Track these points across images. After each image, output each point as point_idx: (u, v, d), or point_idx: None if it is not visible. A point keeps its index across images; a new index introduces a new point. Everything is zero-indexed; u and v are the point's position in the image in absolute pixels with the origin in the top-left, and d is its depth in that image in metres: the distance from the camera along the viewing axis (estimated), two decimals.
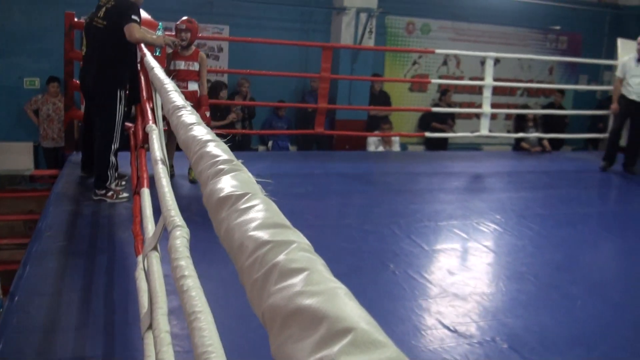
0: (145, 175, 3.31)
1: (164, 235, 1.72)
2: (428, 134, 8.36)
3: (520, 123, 9.28)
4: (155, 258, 1.92)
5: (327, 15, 9.57)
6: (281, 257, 0.68)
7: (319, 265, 0.67)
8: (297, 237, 0.74)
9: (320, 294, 0.59)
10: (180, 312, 2.51)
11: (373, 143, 8.70)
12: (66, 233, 4.19)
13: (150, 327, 1.72)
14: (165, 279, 1.88)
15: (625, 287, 4.23)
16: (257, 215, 0.82)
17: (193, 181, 5.25)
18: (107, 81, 4.73)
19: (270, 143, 9.03)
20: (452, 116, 9.89)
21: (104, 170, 4.75)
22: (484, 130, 7.85)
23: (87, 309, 3.16)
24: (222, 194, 0.95)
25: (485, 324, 3.36)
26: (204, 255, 3.97)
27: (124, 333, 2.95)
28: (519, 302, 3.74)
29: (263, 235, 0.75)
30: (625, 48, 8.43)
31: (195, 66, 5.38)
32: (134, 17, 4.52)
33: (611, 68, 9.87)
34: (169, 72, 5.21)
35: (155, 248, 1.96)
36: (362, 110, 9.24)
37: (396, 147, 8.86)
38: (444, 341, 3.11)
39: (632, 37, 9.11)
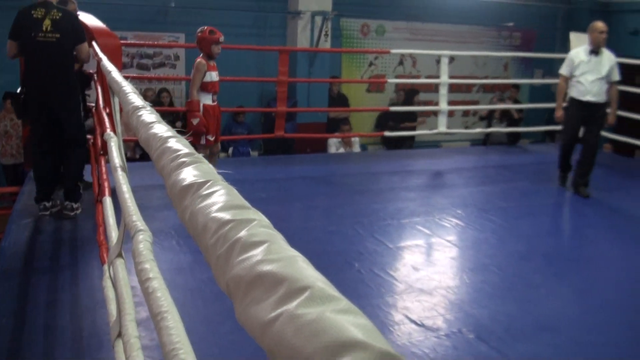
0: (106, 184, 3.27)
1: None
2: (387, 133, 8.42)
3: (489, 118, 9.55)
4: (120, 265, 1.91)
5: (283, 20, 9.58)
6: (243, 232, 0.72)
7: (279, 239, 0.72)
8: (258, 216, 0.79)
9: (280, 260, 0.63)
10: (149, 324, 2.49)
11: (334, 145, 8.73)
12: (30, 250, 4.11)
13: (119, 334, 1.70)
14: (134, 290, 1.86)
15: (587, 273, 4.33)
16: (219, 199, 0.86)
17: None
18: (75, 95, 4.71)
19: (230, 149, 8.99)
20: (414, 115, 9.97)
21: (80, 180, 4.88)
22: (442, 127, 7.95)
23: (53, 325, 3.10)
24: (184, 183, 0.98)
25: (452, 317, 3.41)
26: (171, 264, 3.95)
27: (92, 344, 2.91)
28: (484, 293, 3.80)
29: (225, 215, 0.79)
30: (578, 41, 8.58)
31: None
32: (86, 36, 4.66)
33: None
34: (206, 85, 5.21)
35: (120, 255, 1.94)
36: (322, 112, 9.28)
37: (356, 148, 8.91)
38: (411, 336, 3.14)
39: (585, 30, 9.34)
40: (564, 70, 6.16)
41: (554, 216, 5.68)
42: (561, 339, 3.29)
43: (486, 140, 10.04)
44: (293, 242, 3.00)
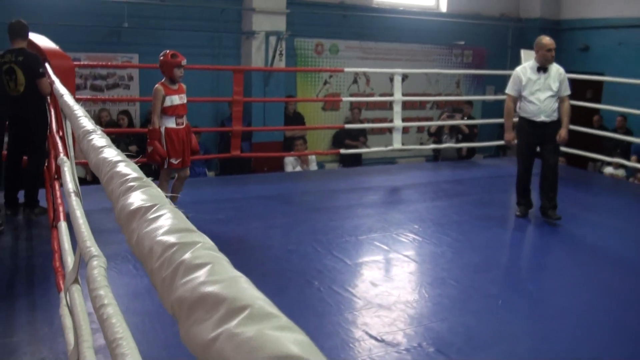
0: (61, 209, 3.21)
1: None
2: (343, 151, 8.49)
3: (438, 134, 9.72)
4: (77, 291, 1.87)
5: (237, 40, 9.61)
6: (187, 255, 0.73)
7: (222, 260, 0.73)
8: (202, 239, 0.80)
9: (222, 281, 0.65)
10: (107, 352, 2.43)
11: (290, 163, 8.75)
12: None
13: None
14: (92, 316, 1.83)
15: (542, 282, 4.43)
16: (165, 222, 0.87)
17: None
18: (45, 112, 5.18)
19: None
20: (364, 132, 10.12)
21: (37, 186, 5.28)
22: (397, 144, 8.06)
23: (11, 355, 3.01)
24: (132, 207, 0.99)
25: (412, 331, 3.44)
26: (128, 288, 3.89)
27: None
28: (442, 306, 3.84)
29: (170, 239, 0.80)
30: (529, 58, 8.80)
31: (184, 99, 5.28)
32: (42, 70, 5.01)
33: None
34: (167, 110, 5.14)
35: (76, 281, 1.90)
36: (278, 131, 9.30)
37: (313, 166, 8.95)
38: (372, 351, 3.15)
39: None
40: (510, 89, 5.76)
41: (508, 228, 5.79)
42: (519, 348, 3.35)
43: (437, 156, 10.21)
44: (252, 261, 3.04)
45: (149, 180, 1.15)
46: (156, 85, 5.20)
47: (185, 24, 9.05)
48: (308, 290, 3.92)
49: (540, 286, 4.31)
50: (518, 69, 5.85)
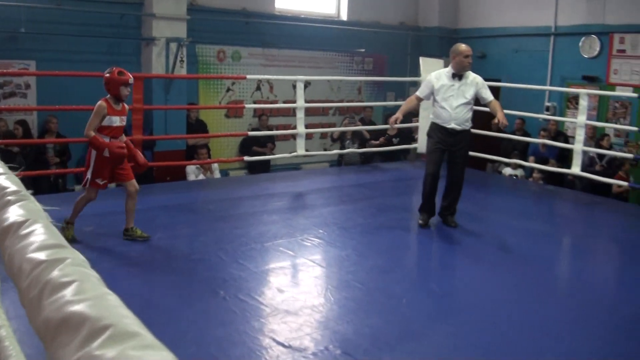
0: None
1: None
2: (247, 158, 8.45)
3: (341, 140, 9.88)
4: None
5: (137, 47, 9.36)
6: (54, 273, 0.70)
7: (91, 277, 0.70)
8: (72, 254, 0.78)
9: (88, 300, 0.63)
10: None
11: (193, 172, 8.61)
12: None
13: None
14: None
15: (444, 280, 4.57)
16: (37, 238, 0.84)
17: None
18: None
19: None
20: (272, 139, 10.11)
21: None
22: (301, 150, 8.10)
23: None
24: (6, 223, 0.94)
25: (318, 335, 3.45)
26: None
27: None
28: (348, 309, 3.88)
29: (39, 256, 0.77)
30: (427, 66, 9.07)
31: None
32: None
33: (416, 84, 10.65)
34: (102, 129, 4.86)
35: None
36: (180, 139, 9.13)
37: (217, 174, 8.85)
38: (279, 358, 3.14)
39: (433, 55, 9.95)
40: (420, 92, 5.78)
41: (411, 229, 5.93)
42: (425, 346, 3.43)
43: (341, 161, 10.35)
44: (156, 274, 2.95)
45: (27, 193, 1.10)
46: (100, 102, 4.93)
47: (84, 29, 8.72)
48: (214, 300, 3.86)
49: (444, 284, 4.44)
50: (434, 73, 5.79)
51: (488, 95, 5.67)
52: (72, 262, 0.73)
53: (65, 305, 0.62)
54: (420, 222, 5.78)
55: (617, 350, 3.45)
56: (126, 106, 5.09)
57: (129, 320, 0.58)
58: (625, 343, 3.56)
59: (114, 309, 0.61)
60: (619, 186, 8.05)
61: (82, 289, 0.65)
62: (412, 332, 3.61)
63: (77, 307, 0.61)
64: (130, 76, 4.99)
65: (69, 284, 0.67)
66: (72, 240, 4.77)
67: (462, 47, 5.63)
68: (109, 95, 4.96)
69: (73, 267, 0.71)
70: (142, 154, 5.27)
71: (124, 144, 5.00)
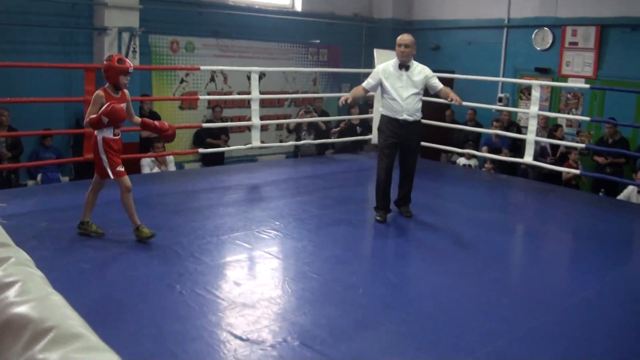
0: None
1: None
2: (201, 150, 8.37)
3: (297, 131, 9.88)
4: None
5: (89, 36, 9.15)
6: None
7: (35, 276, 0.68)
8: (16, 253, 0.74)
9: (31, 301, 0.62)
10: None
11: (147, 165, 8.49)
12: None
13: None
14: None
15: (400, 270, 4.62)
16: None
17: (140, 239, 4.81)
18: None
19: (39, 176, 8.40)
20: (226, 131, 10.05)
21: None
22: (256, 142, 8.06)
23: None
24: None
25: (276, 327, 3.45)
26: None
27: None
28: (305, 300, 3.90)
29: None
30: (381, 57, 9.11)
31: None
32: None
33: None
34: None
35: None
36: (133, 132, 8.98)
37: (172, 167, 8.75)
38: (237, 352, 3.13)
39: (387, 46, 10.00)
40: (366, 84, 5.74)
41: (367, 220, 5.97)
42: (381, 335, 3.47)
43: (297, 152, 10.35)
44: (111, 271, 2.91)
45: None
46: (97, 91, 4.74)
47: (34, 19, 8.50)
48: (170, 295, 3.82)
49: (399, 274, 4.50)
50: (381, 65, 5.76)
51: (437, 84, 5.68)
52: (16, 261, 0.70)
53: (8, 307, 0.61)
54: (378, 218, 5.70)
55: (568, 334, 3.56)
56: (127, 92, 4.89)
57: (73, 321, 0.57)
58: (580, 329, 3.66)
59: (58, 309, 0.59)
60: (569, 174, 8.29)
61: (26, 289, 0.64)
62: (369, 321, 3.66)
63: (20, 309, 0.60)
64: (130, 64, 4.80)
65: (12, 284, 0.65)
66: (150, 237, 4.77)
67: (400, 36, 5.66)
68: (107, 84, 4.78)
69: (17, 267, 0.69)
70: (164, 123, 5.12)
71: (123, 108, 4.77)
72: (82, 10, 9.00)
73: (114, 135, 4.78)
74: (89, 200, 4.95)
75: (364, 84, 5.79)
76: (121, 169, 4.78)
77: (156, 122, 5.03)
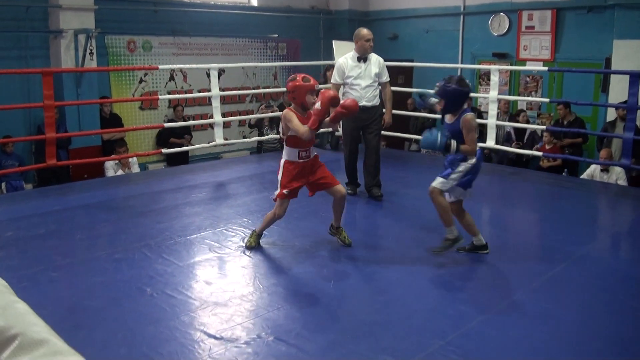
0: None
1: None
2: (165, 150, 8.30)
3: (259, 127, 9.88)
4: None
5: (45, 40, 8.99)
6: None
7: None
8: None
9: None
10: None
11: (111, 168, 8.41)
12: None
13: None
14: None
15: (371, 258, 4.66)
16: None
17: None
18: None
19: (3, 185, 8.25)
20: (189, 129, 9.99)
21: None
22: (219, 139, 8.03)
23: None
24: None
25: (250, 323, 3.47)
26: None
27: None
28: (278, 295, 3.92)
29: None
30: (340, 49, 9.15)
31: None
32: None
33: (331, 68, 10.71)
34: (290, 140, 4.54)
35: None
36: (95, 135, 8.88)
37: (135, 169, 8.67)
38: (211, 350, 3.14)
39: (345, 38, 10.05)
40: (335, 79, 6.27)
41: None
42: (355, 325, 3.51)
43: (260, 148, 10.34)
44: (78, 276, 2.89)
45: None
46: (286, 110, 4.53)
47: None
48: (141, 298, 3.81)
49: (371, 262, 4.54)
50: (340, 59, 6.31)
51: (385, 77, 6.29)
52: None
53: None
54: (349, 192, 6.27)
55: (538, 311, 3.65)
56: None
57: (38, 327, 0.58)
58: (549, 306, 3.76)
59: (22, 317, 0.60)
60: (549, 160, 8.56)
61: None
62: (342, 313, 3.70)
63: None
64: (317, 82, 4.57)
65: None
66: (249, 247, 4.73)
67: (364, 31, 6.18)
68: (292, 105, 4.57)
69: None
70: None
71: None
72: (37, 13, 8.84)
73: (300, 158, 4.60)
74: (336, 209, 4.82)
75: (333, 81, 6.33)
76: (286, 192, 4.60)
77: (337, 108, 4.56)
